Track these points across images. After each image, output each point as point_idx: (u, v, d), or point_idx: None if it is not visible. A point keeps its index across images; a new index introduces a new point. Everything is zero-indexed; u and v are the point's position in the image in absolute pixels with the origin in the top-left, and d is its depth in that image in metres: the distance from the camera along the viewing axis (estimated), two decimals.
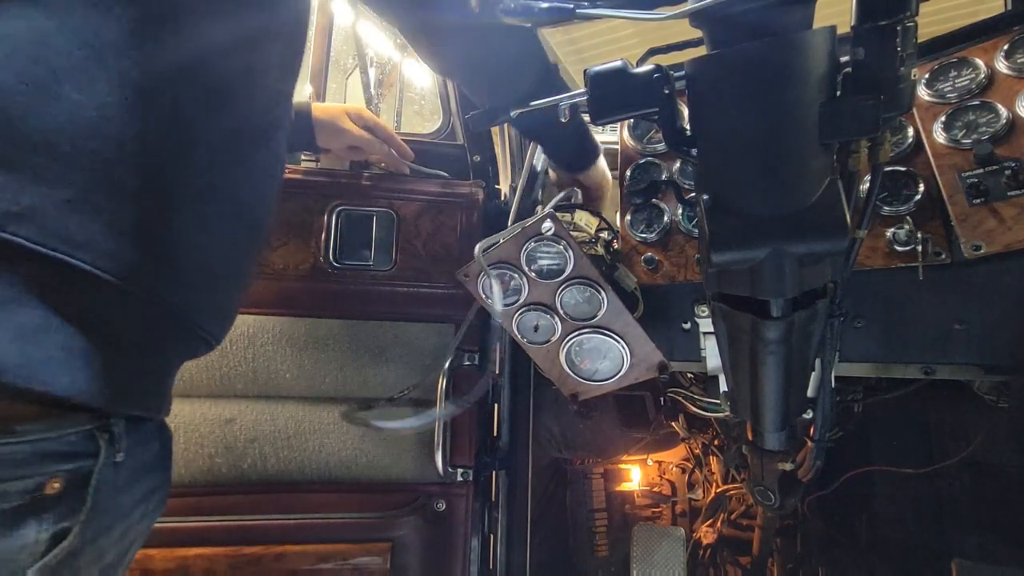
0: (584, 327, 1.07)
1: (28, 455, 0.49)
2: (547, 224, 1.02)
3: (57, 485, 0.51)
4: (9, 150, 0.46)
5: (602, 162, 1.20)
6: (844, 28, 0.56)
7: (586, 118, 1.23)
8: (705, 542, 1.89)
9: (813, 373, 0.93)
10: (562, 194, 1.10)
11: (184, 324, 0.64)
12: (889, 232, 0.93)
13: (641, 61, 0.68)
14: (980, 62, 0.94)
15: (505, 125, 1.37)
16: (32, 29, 0.47)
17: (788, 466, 1.07)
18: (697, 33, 0.62)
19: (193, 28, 0.57)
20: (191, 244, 0.61)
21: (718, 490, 1.93)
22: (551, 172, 1.29)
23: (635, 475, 2.11)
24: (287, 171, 1.31)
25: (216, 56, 0.60)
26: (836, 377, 1.05)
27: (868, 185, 0.73)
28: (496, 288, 0.99)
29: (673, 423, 1.67)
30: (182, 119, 0.57)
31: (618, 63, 0.66)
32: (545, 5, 0.63)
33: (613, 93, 0.66)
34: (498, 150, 1.46)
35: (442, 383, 1.25)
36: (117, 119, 0.51)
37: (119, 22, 0.50)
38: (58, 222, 0.49)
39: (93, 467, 0.53)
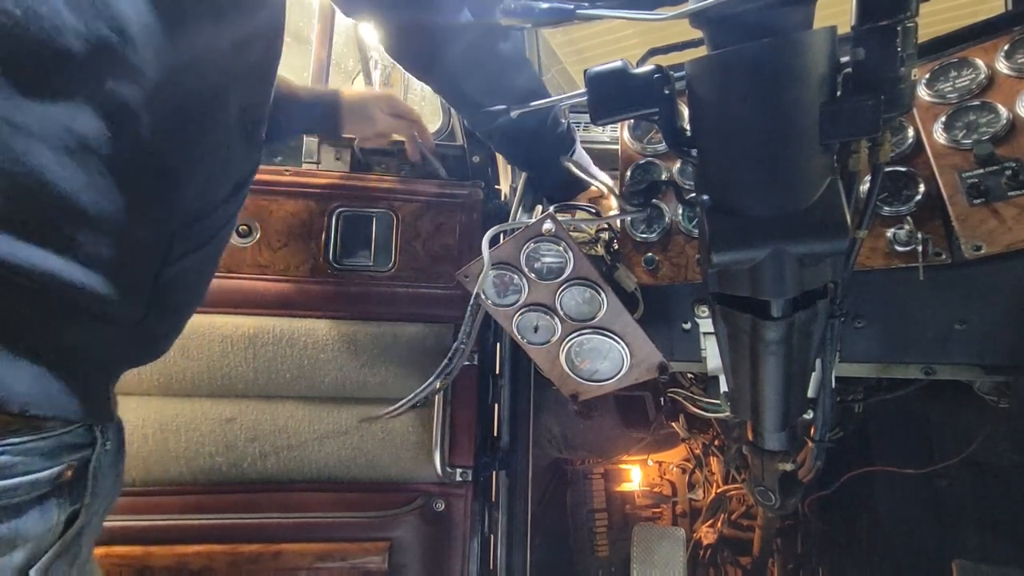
0: (584, 328, 1.07)
1: (53, 447, 0.56)
2: (547, 224, 1.02)
3: (70, 473, 0.58)
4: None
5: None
6: (844, 28, 0.56)
7: (585, 118, 1.24)
8: (705, 542, 1.89)
9: (813, 373, 0.93)
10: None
11: (157, 345, 0.71)
12: (889, 232, 0.93)
13: (641, 61, 0.68)
14: (980, 62, 0.94)
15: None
16: None
17: (789, 466, 1.07)
18: (697, 33, 0.62)
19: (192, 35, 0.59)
20: (181, 279, 0.68)
21: (718, 490, 1.93)
22: None
23: (635, 475, 2.11)
24: (288, 173, 1.31)
25: (200, 64, 0.62)
26: (836, 377, 1.05)
27: (868, 185, 0.73)
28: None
29: (673, 423, 1.67)
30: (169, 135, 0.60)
31: (618, 63, 0.66)
32: (545, 6, 0.63)
33: (613, 93, 0.66)
34: None
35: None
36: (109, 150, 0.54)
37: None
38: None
39: (91, 455, 0.61)
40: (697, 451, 1.97)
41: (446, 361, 1.15)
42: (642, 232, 1.10)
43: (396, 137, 1.33)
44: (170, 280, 0.65)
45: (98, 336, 0.60)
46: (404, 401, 1.16)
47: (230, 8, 0.64)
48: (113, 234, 0.56)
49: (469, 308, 1.08)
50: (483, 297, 1.08)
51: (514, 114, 0.87)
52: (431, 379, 1.15)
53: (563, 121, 1.15)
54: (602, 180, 1.23)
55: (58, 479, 0.56)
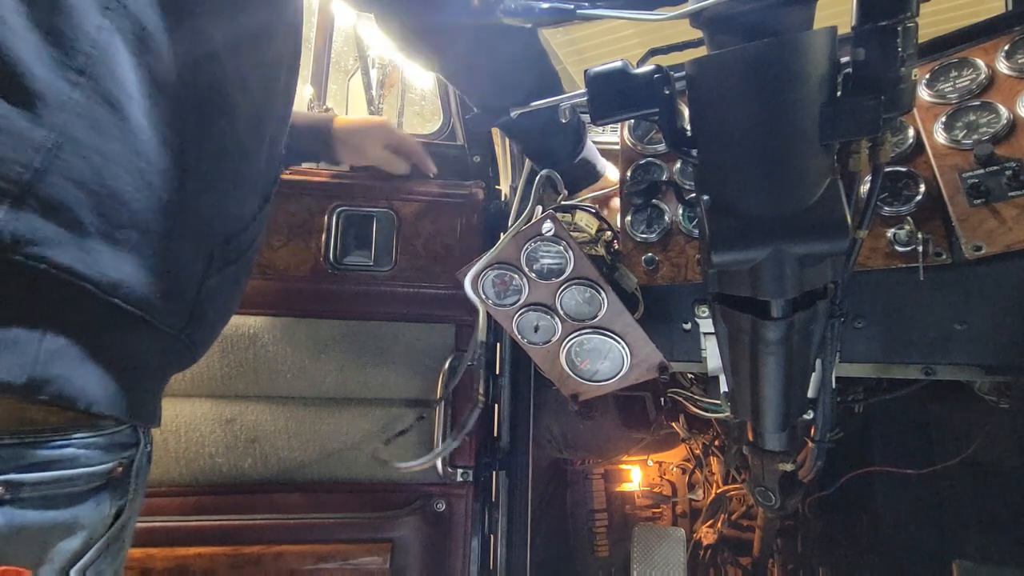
0: (584, 327, 1.07)
1: (108, 444, 0.61)
2: (547, 224, 1.02)
3: (120, 469, 0.63)
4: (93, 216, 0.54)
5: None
6: (844, 28, 0.56)
7: (585, 118, 1.24)
8: (705, 543, 1.89)
9: (813, 374, 0.93)
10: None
11: (193, 353, 0.73)
12: (890, 232, 0.93)
13: (641, 61, 0.68)
14: (981, 62, 0.94)
15: None
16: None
17: (789, 467, 1.06)
18: (698, 33, 0.62)
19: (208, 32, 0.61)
20: (216, 289, 0.71)
21: (718, 491, 1.92)
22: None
23: (635, 475, 2.11)
24: (288, 172, 1.31)
25: (230, 59, 0.65)
26: (837, 377, 1.05)
27: (869, 185, 0.73)
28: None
29: (673, 424, 1.67)
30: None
31: (618, 63, 0.66)
32: (546, 5, 0.63)
33: (613, 93, 0.66)
34: (498, 150, 1.46)
35: (442, 384, 1.25)
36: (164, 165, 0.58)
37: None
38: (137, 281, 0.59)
39: (135, 455, 0.65)
40: (697, 451, 1.97)
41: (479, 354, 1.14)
42: (642, 232, 1.10)
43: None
44: (210, 291, 0.70)
45: (149, 342, 0.64)
46: (429, 457, 1.17)
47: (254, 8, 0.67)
48: (167, 247, 0.61)
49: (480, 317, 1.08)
50: (483, 297, 1.08)
51: (514, 114, 0.87)
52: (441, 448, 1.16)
53: (572, 116, 1.14)
54: (611, 174, 1.23)
55: (111, 474, 0.61)
